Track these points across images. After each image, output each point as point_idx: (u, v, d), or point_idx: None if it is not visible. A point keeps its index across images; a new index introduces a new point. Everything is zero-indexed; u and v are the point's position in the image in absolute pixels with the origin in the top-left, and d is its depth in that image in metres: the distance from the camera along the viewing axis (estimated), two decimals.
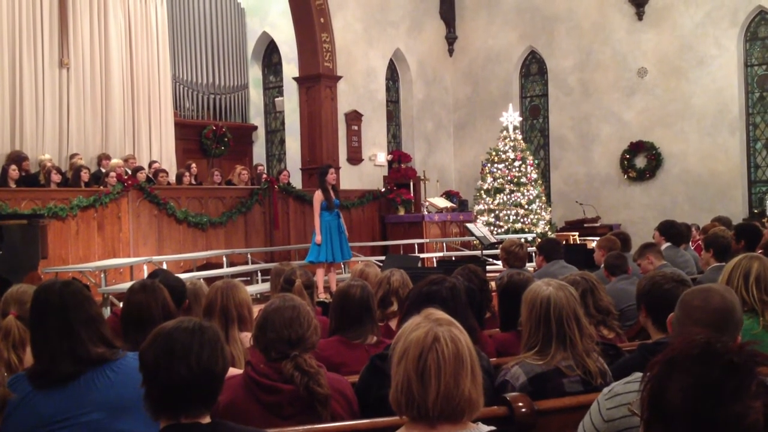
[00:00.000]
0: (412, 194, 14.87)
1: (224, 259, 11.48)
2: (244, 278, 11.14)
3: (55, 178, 10.38)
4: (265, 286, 10.10)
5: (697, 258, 7.12)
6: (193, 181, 12.54)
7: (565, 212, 15.52)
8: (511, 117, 14.09)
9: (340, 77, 14.58)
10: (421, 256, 12.21)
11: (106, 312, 7.83)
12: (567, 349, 2.84)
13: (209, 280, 6.81)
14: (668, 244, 6.91)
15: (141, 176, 11.18)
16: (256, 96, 16.85)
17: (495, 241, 11.31)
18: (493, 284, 4.69)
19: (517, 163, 13.81)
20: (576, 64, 15.77)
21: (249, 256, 12.04)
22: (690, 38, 14.63)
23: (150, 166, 12.35)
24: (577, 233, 13.90)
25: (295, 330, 2.68)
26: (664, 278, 3.05)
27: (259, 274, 11.78)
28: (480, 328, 3.65)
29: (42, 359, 2.50)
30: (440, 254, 13.70)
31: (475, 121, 16.93)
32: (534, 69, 16.69)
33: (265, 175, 13.46)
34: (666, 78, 14.88)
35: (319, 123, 14.28)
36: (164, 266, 9.28)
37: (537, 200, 13.80)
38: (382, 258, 10.00)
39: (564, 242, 10.24)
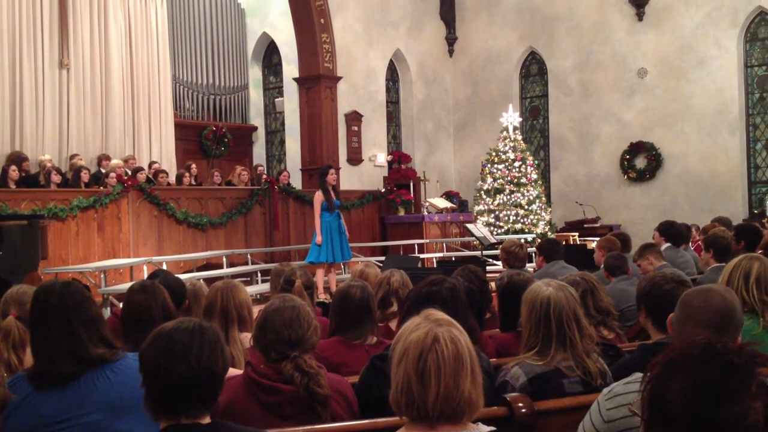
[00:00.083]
0: (412, 195, 14.87)
1: (224, 259, 11.48)
2: (244, 279, 11.15)
3: (55, 178, 10.38)
4: (265, 287, 10.10)
5: (697, 258, 7.12)
6: (193, 182, 12.55)
7: (565, 213, 15.52)
8: (511, 117, 14.09)
9: (340, 78, 14.58)
10: (421, 256, 12.20)
11: (106, 312, 7.83)
12: (567, 350, 2.84)
13: (209, 281, 6.81)
14: (668, 244, 6.92)
15: (141, 177, 11.18)
16: (256, 96, 16.85)
17: (495, 241, 11.31)
18: (493, 285, 4.69)
19: (517, 164, 13.81)
20: (576, 64, 15.78)
21: (249, 256, 12.04)
22: (690, 39, 14.63)
23: (150, 166, 12.35)
24: (577, 234, 13.90)
25: (295, 330, 2.68)
26: (664, 279, 3.05)
27: (259, 274, 11.78)
28: (480, 328, 3.65)
29: (42, 360, 2.50)
30: (440, 255, 13.70)
31: (475, 122, 16.93)
32: (534, 69, 16.70)
33: (265, 176, 13.47)
34: (666, 78, 14.88)
35: (319, 124, 14.29)
36: (164, 267, 9.29)
37: (537, 201, 13.80)
38: (382, 258, 10.00)
39: (564, 243, 10.24)
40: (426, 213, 14.12)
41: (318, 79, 14.26)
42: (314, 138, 14.35)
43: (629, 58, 15.20)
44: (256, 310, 3.24)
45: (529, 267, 8.23)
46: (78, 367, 2.48)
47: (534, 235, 13.26)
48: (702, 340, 1.30)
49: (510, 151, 13.91)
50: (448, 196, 15.70)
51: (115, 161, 11.76)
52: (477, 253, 12.01)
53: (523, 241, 7.79)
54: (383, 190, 14.84)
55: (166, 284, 3.61)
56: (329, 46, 14.34)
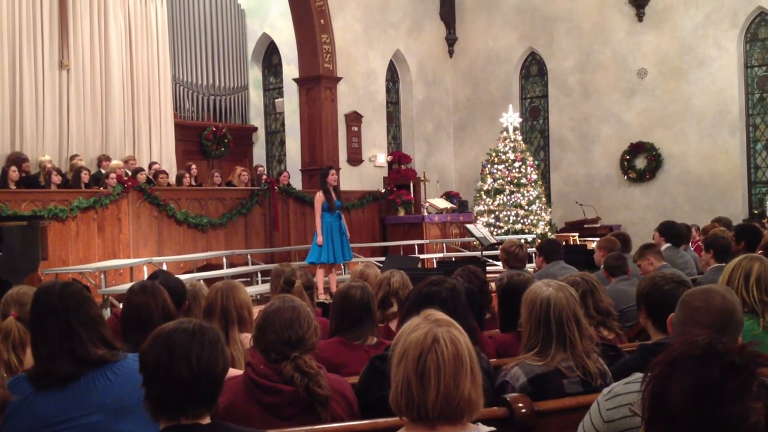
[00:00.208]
0: (412, 195, 14.87)
1: (224, 260, 11.48)
2: (244, 279, 11.15)
3: (55, 179, 10.38)
4: (265, 287, 10.09)
5: (697, 259, 7.12)
6: (193, 183, 12.55)
7: (565, 213, 15.52)
8: (511, 118, 14.10)
9: (340, 78, 14.58)
10: (421, 257, 12.20)
11: (107, 313, 7.83)
12: (567, 350, 2.84)
13: (209, 281, 6.81)
14: (668, 244, 6.91)
15: (141, 177, 11.18)
16: (256, 97, 16.85)
17: (495, 242, 11.31)
18: (493, 285, 4.68)
19: (517, 164, 13.81)
20: (576, 65, 15.78)
21: (249, 257, 12.04)
22: (690, 39, 14.64)
23: (150, 167, 12.36)
24: (577, 234, 13.89)
25: (295, 331, 2.68)
26: (664, 279, 3.05)
27: (259, 275, 11.78)
28: (480, 328, 3.65)
29: (42, 360, 2.50)
30: (440, 255, 13.70)
31: (475, 122, 16.94)
32: (534, 70, 16.70)
33: (265, 177, 13.47)
34: (666, 79, 14.89)
35: (319, 124, 14.29)
36: (164, 267, 9.30)
37: (537, 201, 13.80)
38: (382, 259, 10.00)
39: (564, 243, 10.23)
40: (426, 213, 14.12)
41: (318, 80, 14.26)
42: (314, 138, 14.35)
43: (629, 59, 15.20)
44: (256, 310, 3.24)
45: (529, 267, 8.23)
46: (78, 367, 2.48)
47: (534, 236, 13.26)
48: (703, 341, 1.30)
49: (510, 151, 13.91)
50: (448, 196, 15.70)
51: (115, 162, 11.76)
52: (477, 253, 12.01)
53: (523, 241, 7.79)
54: (383, 190, 14.85)
55: (166, 285, 3.61)
56: (329, 46, 14.34)
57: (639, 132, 15.15)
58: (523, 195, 13.71)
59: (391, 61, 16.07)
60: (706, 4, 14.47)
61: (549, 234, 13.50)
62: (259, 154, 16.86)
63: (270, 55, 16.78)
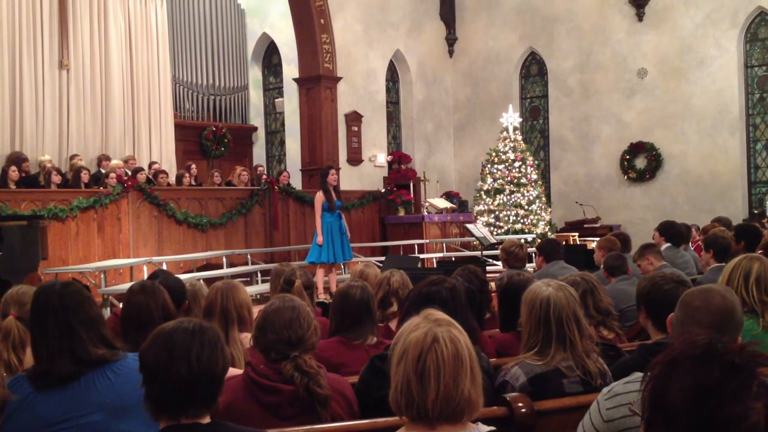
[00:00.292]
0: (412, 195, 14.88)
1: (224, 259, 11.48)
2: (244, 279, 11.15)
3: (55, 179, 10.38)
4: (264, 287, 10.09)
5: (696, 258, 7.12)
6: (193, 182, 12.55)
7: (565, 213, 15.52)
8: (511, 118, 14.10)
9: (340, 78, 14.58)
10: (421, 256, 12.20)
11: (107, 313, 7.83)
12: (567, 350, 2.84)
13: (209, 281, 6.81)
14: (668, 244, 6.91)
15: (141, 177, 11.18)
16: (256, 97, 16.85)
17: (495, 241, 11.31)
18: (492, 285, 4.68)
19: (517, 164, 13.81)
20: (576, 65, 15.78)
21: (249, 256, 12.04)
22: (690, 39, 14.63)
23: (150, 167, 12.35)
24: (577, 234, 13.89)
25: (294, 331, 2.68)
26: (664, 279, 3.05)
27: (259, 274, 11.78)
28: (480, 328, 3.65)
29: (42, 360, 2.50)
30: (440, 255, 13.70)
31: (475, 122, 16.94)
32: (534, 70, 16.70)
33: (265, 176, 13.46)
34: (666, 79, 14.89)
35: (319, 124, 14.29)
36: (164, 267, 9.29)
37: (537, 201, 13.80)
38: (382, 259, 10.00)
39: (564, 243, 10.23)
40: (426, 213, 14.12)
41: (318, 80, 14.26)
42: (314, 138, 14.35)
43: (629, 59, 15.20)
44: (256, 310, 3.24)
45: (529, 267, 8.23)
46: (78, 367, 2.48)
47: (534, 236, 13.26)
48: (703, 340, 1.30)
49: (510, 151, 13.91)
50: (448, 196, 15.71)
51: (115, 162, 11.76)
52: (477, 253, 12.01)
53: (523, 241, 7.79)
54: (383, 190, 14.85)
55: (166, 285, 3.61)
56: (329, 46, 14.34)
57: (639, 132, 15.15)
58: (523, 195, 13.71)
59: (391, 61, 16.07)
60: (706, 3, 14.47)
61: (549, 234, 13.50)
62: (259, 153, 16.85)
63: (270, 55, 16.78)
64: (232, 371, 2.64)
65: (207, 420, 2.06)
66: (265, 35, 16.43)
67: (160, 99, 13.59)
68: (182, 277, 6.30)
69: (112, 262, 10.03)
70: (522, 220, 13.63)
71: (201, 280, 5.32)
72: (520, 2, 16.25)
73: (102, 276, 9.33)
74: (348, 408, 2.76)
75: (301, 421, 2.58)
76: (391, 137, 16.41)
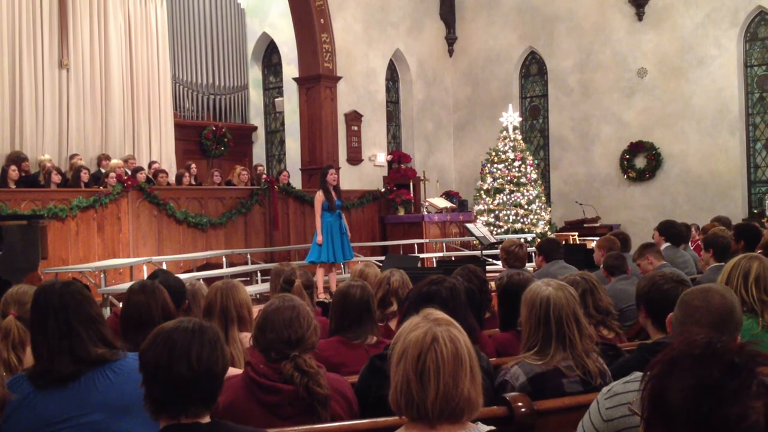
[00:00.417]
0: (411, 194, 14.88)
1: (224, 259, 11.48)
2: (244, 279, 11.15)
3: (55, 178, 10.38)
4: (264, 287, 10.10)
5: (696, 258, 7.12)
6: (193, 182, 12.55)
7: (565, 212, 15.52)
8: (511, 117, 14.10)
9: (340, 78, 14.58)
10: (421, 256, 12.20)
11: (107, 312, 7.83)
12: (566, 349, 2.84)
13: (209, 281, 6.82)
14: (668, 244, 6.91)
15: (141, 177, 11.18)
16: (255, 96, 16.85)
17: (495, 241, 11.31)
18: (492, 284, 4.69)
19: (516, 164, 13.81)
20: (576, 64, 15.78)
21: (249, 256, 12.04)
22: (690, 39, 14.63)
23: (150, 166, 12.35)
24: (576, 233, 13.89)
25: (294, 330, 2.68)
26: (664, 278, 3.05)
27: (259, 274, 11.78)
28: (480, 328, 3.65)
29: (42, 359, 2.50)
30: (440, 254, 13.70)
31: (475, 122, 16.94)
32: (534, 69, 16.70)
33: (264, 176, 13.47)
34: (666, 78, 14.89)
35: (319, 123, 14.29)
36: (164, 267, 9.29)
37: (537, 200, 13.81)
38: (382, 258, 10.00)
39: (564, 242, 10.23)
40: (426, 213, 14.12)
41: (318, 79, 14.26)
42: (314, 138, 14.35)
43: (629, 58, 15.20)
44: (256, 309, 3.24)
45: (529, 267, 8.23)
46: (78, 366, 2.48)
47: (534, 235, 13.26)
48: (702, 340, 1.30)
49: (510, 150, 13.91)
50: (448, 195, 15.71)
51: (114, 161, 11.75)
52: (477, 252, 12.01)
53: (522, 240, 7.79)
54: (383, 189, 14.85)
55: (165, 284, 3.61)
56: (329, 46, 14.34)
57: (639, 131, 15.15)
58: (522, 194, 13.71)
59: (391, 60, 16.07)
60: (706, 3, 14.46)
61: (549, 233, 13.50)
62: (259, 153, 16.86)
63: (270, 54, 16.78)
64: (232, 371, 2.64)
65: (207, 419, 2.06)
66: (265, 35, 16.44)
67: (160, 98, 13.59)
68: (182, 276, 6.30)
69: (112, 261, 10.03)
70: (522, 220, 13.63)
71: (201, 280, 5.33)
72: (520, 2, 16.24)
73: (102, 275, 9.34)
74: (348, 408, 2.76)
75: (301, 420, 2.58)
76: (391, 137, 16.41)
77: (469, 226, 11.93)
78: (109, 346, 2.57)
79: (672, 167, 14.91)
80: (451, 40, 17.07)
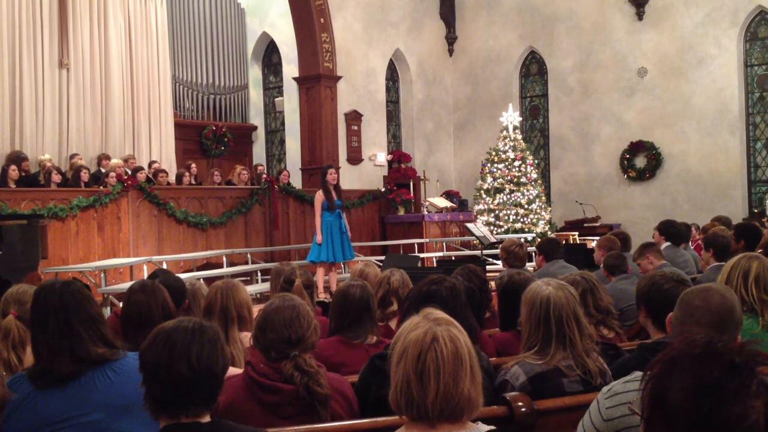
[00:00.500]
0: (412, 194, 14.88)
1: (224, 259, 11.48)
2: (244, 278, 11.15)
3: (55, 178, 10.38)
4: (265, 286, 10.10)
5: (696, 258, 7.12)
6: (193, 181, 12.55)
7: (565, 212, 15.52)
8: (511, 117, 14.10)
9: (340, 77, 14.58)
10: (421, 255, 12.20)
11: (107, 312, 7.83)
12: (567, 349, 2.84)
13: (209, 280, 6.82)
14: (668, 243, 6.91)
15: (141, 176, 11.18)
16: (256, 96, 16.86)
17: (495, 240, 11.31)
18: (492, 284, 4.68)
19: (517, 163, 13.82)
20: (576, 64, 15.78)
21: (249, 256, 12.04)
22: (690, 38, 14.63)
23: (150, 166, 12.35)
24: (576, 233, 13.90)
25: (294, 330, 2.68)
26: (664, 278, 3.05)
27: (259, 274, 11.79)
28: (480, 327, 3.65)
29: (42, 359, 2.50)
30: (440, 254, 13.70)
31: (475, 121, 16.94)
32: (534, 69, 16.70)
33: (265, 175, 13.46)
34: (666, 78, 14.88)
35: (319, 123, 14.29)
36: (164, 266, 9.29)
37: (537, 200, 13.81)
38: (382, 258, 10.00)
39: (564, 242, 10.23)
40: (426, 212, 14.12)
41: (318, 79, 14.26)
42: (314, 137, 14.35)
43: (629, 58, 15.20)
44: (256, 309, 3.24)
45: (529, 266, 8.23)
46: (78, 366, 2.48)
47: (534, 235, 13.26)
48: (702, 339, 1.30)
49: (510, 150, 13.91)
50: (448, 195, 15.71)
51: (114, 161, 11.75)
52: (477, 252, 12.01)
53: (523, 240, 7.79)
54: (383, 189, 14.85)
55: (166, 284, 3.61)
56: (329, 45, 14.34)
57: (639, 131, 15.15)
58: (523, 194, 13.71)
59: (391, 60, 16.07)
60: (706, 3, 14.46)
61: (549, 233, 13.51)
62: (259, 153, 16.86)
63: (270, 54, 16.78)
64: (232, 370, 2.64)
65: (207, 419, 2.06)
66: (265, 34, 16.44)
67: (160, 98, 13.59)
68: (182, 276, 6.30)
69: (112, 261, 10.03)
70: (522, 219, 13.63)
71: (201, 280, 5.33)
72: (520, 1, 16.24)
73: (102, 275, 9.34)
74: (348, 407, 2.76)
75: (301, 420, 2.58)
76: (391, 136, 16.41)
77: (470, 225, 11.93)
78: (109, 346, 2.57)
79: (672, 167, 14.91)
80: (451, 39, 17.07)
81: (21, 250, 8.05)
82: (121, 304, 4.03)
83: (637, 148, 15.17)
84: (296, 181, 14.09)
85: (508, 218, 13.66)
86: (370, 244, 14.04)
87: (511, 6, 16.37)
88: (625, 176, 15.32)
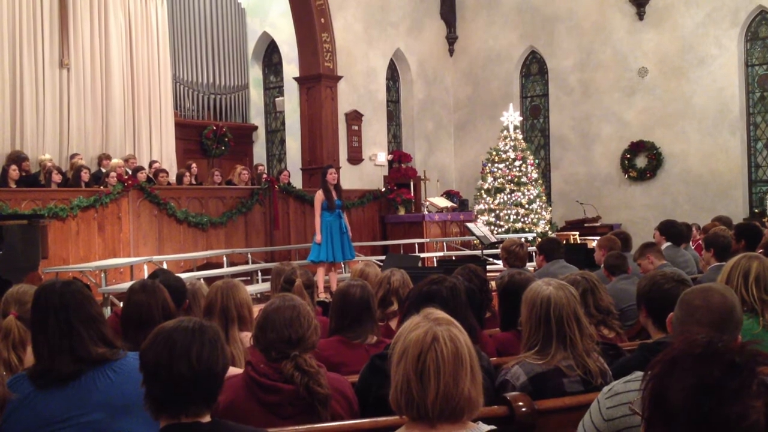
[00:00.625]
0: (412, 194, 14.88)
1: (224, 259, 11.48)
2: (245, 278, 11.15)
3: (56, 178, 10.38)
4: (265, 286, 10.10)
5: (697, 258, 7.12)
6: (194, 181, 12.54)
7: (566, 212, 15.52)
8: (512, 117, 14.10)
9: (340, 77, 14.58)
10: (422, 255, 12.20)
11: (107, 312, 7.83)
12: (567, 349, 2.84)
13: (209, 280, 6.82)
14: (668, 243, 6.91)
15: (141, 176, 11.18)
16: (256, 96, 16.86)
17: (495, 240, 11.31)
18: (493, 284, 4.68)
19: (517, 163, 13.82)
20: (576, 63, 15.78)
21: (249, 256, 12.04)
22: (691, 38, 14.63)
23: (150, 166, 12.35)
24: (577, 233, 13.90)
25: (295, 330, 2.68)
26: (665, 278, 3.04)
27: (260, 273, 11.79)
28: (480, 327, 3.65)
29: (42, 359, 2.50)
30: (440, 254, 13.70)
31: (475, 121, 16.94)
32: (534, 69, 16.70)
33: (265, 175, 13.46)
34: (666, 78, 14.88)
35: (319, 123, 14.29)
36: (164, 266, 9.29)
37: (537, 200, 13.81)
38: (383, 258, 10.00)
39: (564, 242, 10.24)
40: (426, 212, 14.12)
41: (318, 79, 14.26)
42: (314, 137, 14.35)
43: (630, 58, 15.20)
44: (257, 309, 3.24)
45: (530, 266, 8.23)
46: (78, 366, 2.48)
47: (534, 234, 13.26)
48: (703, 339, 1.30)
49: (510, 150, 13.91)
50: (449, 195, 15.71)
51: (115, 161, 11.75)
52: (477, 252, 12.01)
53: (523, 240, 7.79)
54: (383, 189, 14.85)
55: (166, 284, 3.61)
56: (329, 45, 14.34)
57: (639, 131, 15.15)
58: (523, 194, 13.71)
59: (391, 59, 16.07)
60: (707, 2, 14.46)
61: (549, 233, 13.51)
62: (260, 152, 16.86)
63: (270, 53, 16.79)
64: (233, 370, 2.64)
65: (207, 419, 2.06)
66: (265, 34, 16.44)
67: (160, 98, 13.59)
68: (182, 276, 6.30)
69: (113, 261, 10.03)
70: (522, 219, 13.63)
71: (201, 279, 5.33)
72: (521, 1, 16.24)
73: (102, 275, 9.34)
74: (348, 407, 2.76)
75: (302, 420, 2.58)
76: (392, 136, 16.41)
77: (470, 225, 11.92)
78: (109, 346, 2.57)
79: (673, 167, 14.91)
80: (451, 39, 17.07)
81: (21, 250, 8.06)
82: (121, 304, 4.03)
83: (637, 147, 15.17)
84: (296, 181, 14.09)
85: (509, 218, 13.66)
86: (371, 243, 14.04)
87: (512, 6, 16.37)
88: (626, 176, 15.32)
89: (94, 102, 12.53)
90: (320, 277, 9.88)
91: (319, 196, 10.08)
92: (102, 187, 10.52)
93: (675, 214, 11.76)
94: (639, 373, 2.05)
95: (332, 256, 10.03)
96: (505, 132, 14.11)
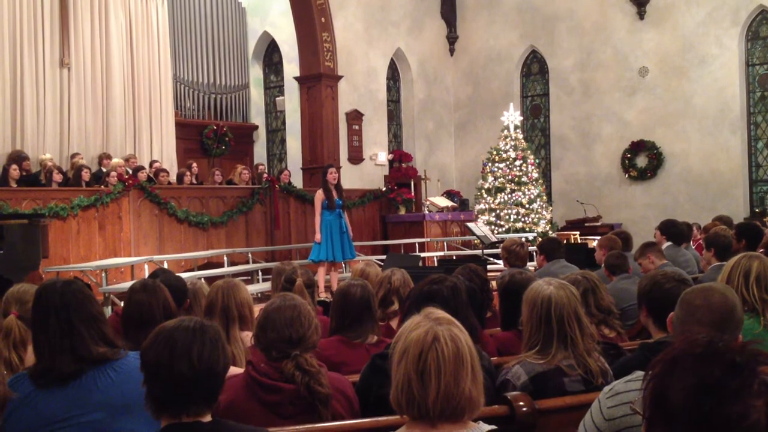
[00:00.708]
0: (412, 193, 14.88)
1: (225, 258, 11.49)
2: (245, 278, 11.15)
3: (56, 177, 10.38)
4: (266, 286, 10.11)
5: (698, 257, 7.12)
6: (194, 181, 12.54)
7: (566, 211, 15.52)
8: (512, 116, 14.09)
9: (340, 77, 14.58)
10: (422, 255, 12.21)
11: (108, 311, 7.84)
12: (568, 349, 2.84)
13: (210, 280, 6.82)
14: (669, 243, 6.91)
15: (142, 176, 11.18)
16: (256, 95, 16.86)
17: (496, 240, 11.31)
18: (494, 283, 4.68)
19: (518, 163, 13.81)
20: (577, 63, 15.77)
21: (250, 255, 12.04)
22: (691, 37, 14.63)
23: (151, 165, 12.35)
24: (578, 232, 13.89)
25: (296, 329, 2.68)
26: (665, 277, 3.04)
27: (260, 273, 11.79)
28: (481, 327, 3.65)
29: (43, 358, 2.51)
30: (441, 253, 13.70)
31: (476, 121, 16.93)
32: (535, 68, 16.69)
33: (266, 175, 13.46)
34: (667, 77, 14.88)
35: (320, 122, 14.29)
36: (165, 266, 9.29)
37: (538, 199, 13.80)
38: (383, 257, 10.00)
39: (565, 241, 10.23)
40: (427, 212, 14.12)
41: (319, 78, 14.26)
42: (315, 137, 14.35)
43: (630, 57, 15.20)
44: (257, 309, 3.24)
45: (530, 266, 8.22)
46: (79, 365, 2.48)
47: (535, 234, 13.26)
48: (704, 339, 1.30)
49: (511, 150, 13.91)
50: (449, 194, 15.71)
51: (116, 160, 11.75)
52: (478, 251, 12.01)
53: (524, 239, 7.78)
54: (384, 188, 14.85)
55: (167, 283, 3.61)
56: (330, 45, 14.34)
57: (640, 130, 15.15)
58: (524, 193, 13.71)
59: (391, 59, 16.07)
60: (708, 2, 14.46)
61: (550, 232, 13.51)
62: (260, 152, 16.86)
63: (271, 53, 16.79)
64: (233, 370, 2.65)
65: (208, 418, 2.06)
66: (266, 33, 16.44)
67: (161, 97, 13.59)
68: (183, 275, 6.30)
69: (113, 260, 10.03)
70: (523, 219, 13.63)
71: (202, 279, 5.33)
72: (521, 1, 16.24)
73: (103, 274, 9.34)
74: (349, 407, 2.76)
75: (302, 419, 2.58)
76: (392, 136, 16.41)
77: (470, 225, 11.92)
78: (110, 345, 2.58)
79: (673, 166, 14.91)
80: (452, 39, 17.07)
81: (22, 249, 8.06)
82: (122, 304, 4.04)
83: (638, 147, 15.16)
84: (297, 181, 14.09)
85: (509, 218, 13.66)
86: (371, 243, 14.04)
87: (512, 5, 16.37)
88: (627, 176, 15.31)
89: (94, 101, 12.53)
90: (321, 276, 9.88)
91: (319, 195, 10.08)
92: (102, 187, 10.52)
93: (675, 214, 11.76)
94: (640, 373, 2.05)
95: (333, 256, 10.03)
96: (505, 132, 14.10)
